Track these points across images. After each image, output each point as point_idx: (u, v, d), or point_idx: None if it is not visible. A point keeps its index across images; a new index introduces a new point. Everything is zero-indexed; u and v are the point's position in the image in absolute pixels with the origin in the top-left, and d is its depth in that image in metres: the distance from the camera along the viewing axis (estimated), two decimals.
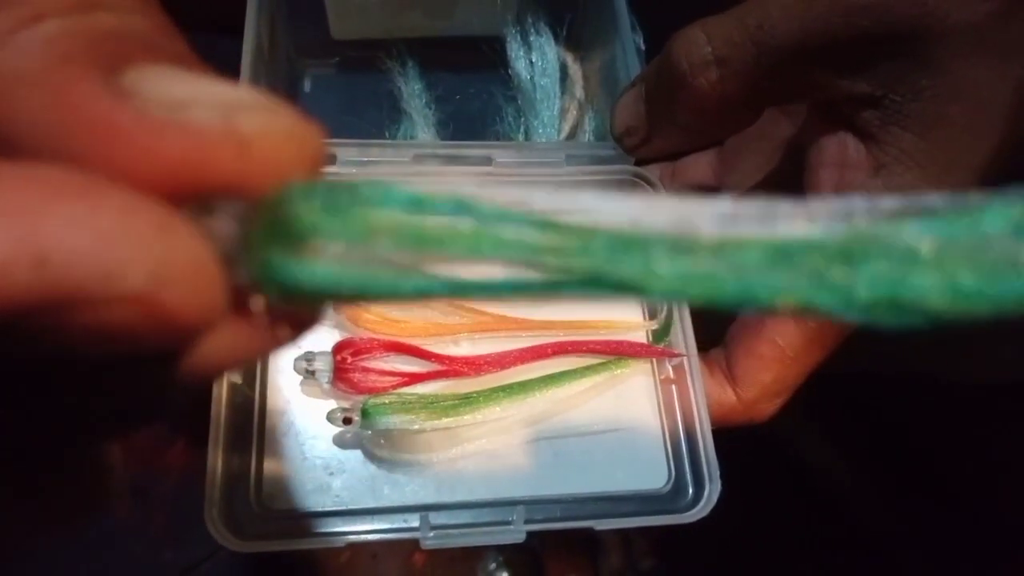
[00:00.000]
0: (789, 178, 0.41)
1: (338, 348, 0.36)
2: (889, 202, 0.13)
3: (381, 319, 0.37)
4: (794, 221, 0.13)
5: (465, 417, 0.36)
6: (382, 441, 0.36)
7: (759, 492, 0.36)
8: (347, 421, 0.35)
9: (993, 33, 0.32)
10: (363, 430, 0.35)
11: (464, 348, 0.39)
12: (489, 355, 0.38)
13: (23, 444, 0.15)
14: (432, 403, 0.36)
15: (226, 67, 0.16)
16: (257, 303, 0.14)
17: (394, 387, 0.36)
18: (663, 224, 0.13)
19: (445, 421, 0.36)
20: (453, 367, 0.37)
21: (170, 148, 0.13)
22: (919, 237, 0.12)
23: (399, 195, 0.13)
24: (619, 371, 0.39)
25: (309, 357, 0.36)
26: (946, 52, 0.33)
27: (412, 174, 0.41)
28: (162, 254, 0.12)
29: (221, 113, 0.13)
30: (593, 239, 0.13)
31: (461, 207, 0.13)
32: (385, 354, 0.37)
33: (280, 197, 0.13)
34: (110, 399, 0.15)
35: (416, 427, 0.35)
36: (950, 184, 0.35)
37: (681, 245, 0.13)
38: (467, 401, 0.36)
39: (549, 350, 0.38)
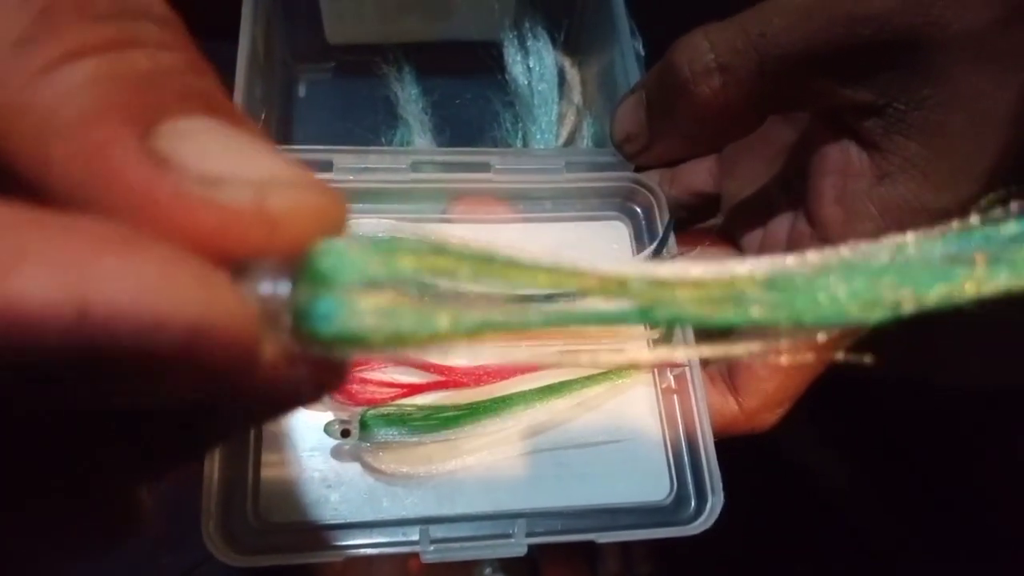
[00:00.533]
0: (788, 185, 0.41)
1: None
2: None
3: None
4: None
5: (465, 428, 0.36)
6: (380, 453, 0.35)
7: (756, 498, 0.36)
8: (345, 433, 0.35)
9: (994, 42, 0.32)
10: (361, 442, 0.35)
11: (463, 359, 0.38)
12: (489, 366, 0.37)
13: (57, 480, 0.15)
14: (431, 414, 0.36)
15: (222, 72, 0.16)
16: (295, 354, 0.15)
17: (393, 399, 0.36)
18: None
19: (444, 433, 0.35)
20: (452, 378, 0.37)
21: (204, 223, 0.13)
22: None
23: (428, 246, 0.14)
24: (620, 381, 0.38)
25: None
26: (948, 61, 0.33)
27: (409, 182, 0.41)
28: (203, 306, 0.12)
29: (253, 192, 0.14)
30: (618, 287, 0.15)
31: (492, 257, 0.15)
32: (383, 365, 0.36)
33: (316, 253, 0.14)
34: (144, 443, 0.15)
35: (415, 439, 0.35)
36: (953, 192, 0.34)
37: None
38: (467, 412, 0.36)
39: (549, 360, 0.38)
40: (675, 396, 0.39)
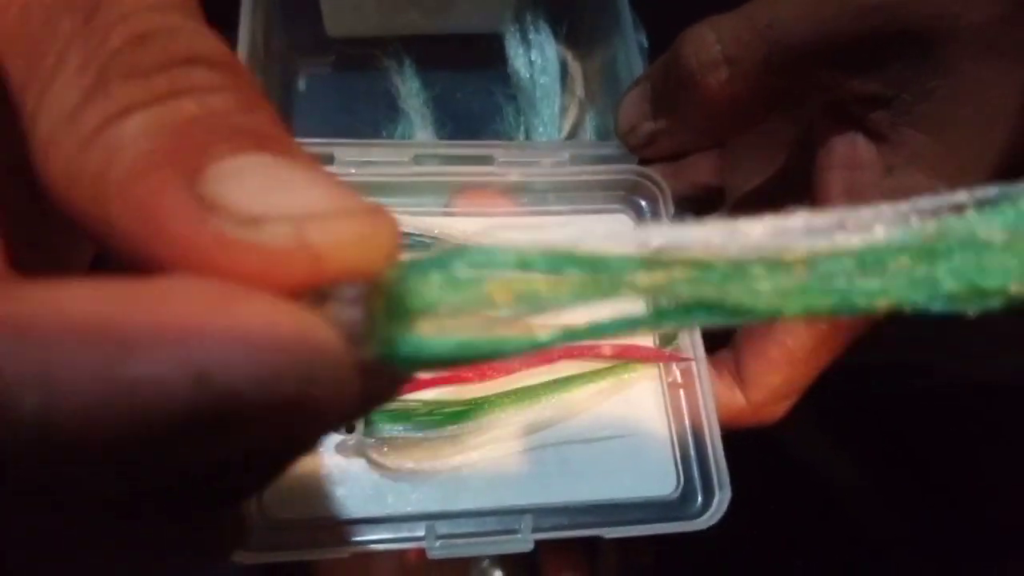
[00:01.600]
0: (794, 177, 0.41)
1: None
2: (952, 197, 0.14)
3: None
4: (871, 227, 0.14)
5: (470, 424, 0.35)
6: (385, 449, 0.35)
7: (756, 490, 0.36)
8: (349, 429, 0.34)
9: (1003, 35, 0.32)
10: (366, 438, 0.34)
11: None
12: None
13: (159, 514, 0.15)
14: (436, 409, 0.35)
15: None
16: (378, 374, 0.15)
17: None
18: (752, 246, 0.14)
19: (449, 428, 0.35)
20: (457, 372, 0.36)
21: (249, 264, 0.13)
22: (989, 227, 0.13)
23: (504, 257, 0.14)
24: (626, 375, 0.38)
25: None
26: (956, 53, 0.32)
27: (412, 174, 0.40)
28: (308, 356, 0.13)
29: (293, 228, 0.13)
30: (695, 270, 0.14)
31: (565, 261, 0.14)
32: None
33: (394, 277, 0.14)
34: (239, 477, 0.15)
35: (420, 434, 0.35)
36: (963, 185, 0.34)
37: (775, 264, 0.14)
38: (472, 407, 0.36)
39: (555, 354, 0.37)
40: (681, 390, 0.38)
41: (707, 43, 0.35)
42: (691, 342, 0.38)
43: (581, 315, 0.14)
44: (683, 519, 0.35)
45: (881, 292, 0.13)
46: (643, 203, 0.43)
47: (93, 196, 0.14)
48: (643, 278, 0.14)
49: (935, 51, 0.33)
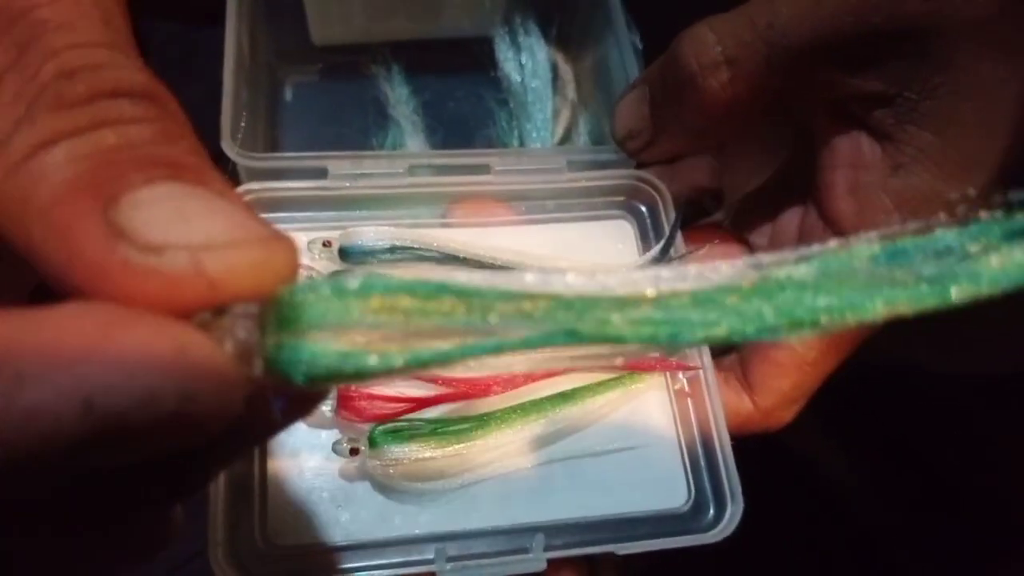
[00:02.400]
0: (793, 178, 0.40)
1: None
2: (777, 255, 0.17)
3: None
4: (714, 273, 0.16)
5: (476, 441, 0.35)
6: (391, 471, 0.34)
7: (760, 495, 0.35)
8: (354, 452, 0.34)
9: (1002, 31, 0.32)
10: (370, 459, 0.34)
11: (471, 369, 0.37)
12: (498, 376, 0.36)
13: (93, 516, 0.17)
14: (440, 428, 0.34)
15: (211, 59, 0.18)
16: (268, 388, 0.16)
17: (401, 413, 0.35)
18: (617, 288, 0.16)
19: (455, 446, 0.34)
20: (461, 390, 0.36)
21: (151, 289, 0.15)
22: (804, 275, 0.16)
23: (387, 282, 0.16)
24: (633, 386, 0.37)
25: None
26: (957, 49, 0.32)
27: (407, 186, 0.39)
28: (186, 374, 0.14)
29: (190, 257, 0.15)
30: (556, 306, 0.16)
31: (442, 288, 0.16)
32: (390, 379, 0.35)
33: (285, 295, 0.16)
34: (149, 487, 0.17)
35: (427, 455, 0.34)
36: (967, 181, 0.34)
37: (629, 302, 0.16)
38: (477, 424, 0.35)
39: (560, 367, 0.37)
40: (689, 399, 0.38)
41: (707, 44, 0.35)
42: (698, 351, 0.37)
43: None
44: (695, 532, 0.35)
45: (716, 323, 0.16)
46: (644, 208, 0.42)
47: (18, 219, 0.15)
48: (507, 307, 0.16)
49: (935, 48, 0.32)
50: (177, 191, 0.16)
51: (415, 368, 0.16)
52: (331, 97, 0.51)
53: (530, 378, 0.36)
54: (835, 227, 0.36)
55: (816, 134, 0.38)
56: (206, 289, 0.15)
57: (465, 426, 0.35)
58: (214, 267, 0.15)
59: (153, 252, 0.15)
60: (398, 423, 0.34)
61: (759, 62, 0.34)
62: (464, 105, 0.51)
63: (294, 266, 0.16)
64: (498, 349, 0.16)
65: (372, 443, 0.33)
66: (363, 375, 0.16)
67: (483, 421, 0.35)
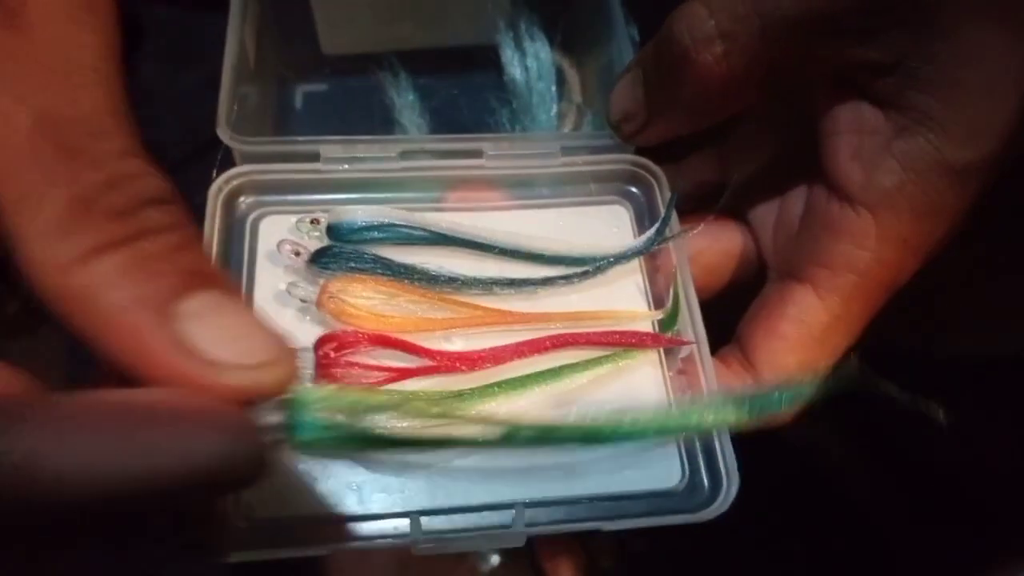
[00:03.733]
0: (794, 157, 0.40)
1: (320, 343, 0.33)
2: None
3: (367, 313, 0.35)
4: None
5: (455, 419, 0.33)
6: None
7: (755, 476, 0.33)
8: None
9: None
10: None
11: (457, 344, 0.36)
12: (484, 350, 0.35)
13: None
14: (420, 400, 0.33)
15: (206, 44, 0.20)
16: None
17: (381, 383, 0.34)
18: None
19: (435, 420, 0.33)
20: (445, 363, 0.35)
21: (221, 393, 0.20)
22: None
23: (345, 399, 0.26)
24: (624, 363, 0.36)
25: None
26: (956, 16, 0.31)
27: (400, 169, 0.39)
28: (254, 449, 0.20)
29: (245, 375, 0.20)
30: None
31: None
32: (371, 348, 0.34)
33: (292, 399, 0.23)
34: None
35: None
36: (973, 148, 0.33)
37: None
38: (459, 398, 0.34)
39: (548, 343, 0.36)
40: (684, 378, 0.36)
41: (700, 18, 0.34)
42: (692, 326, 0.36)
43: None
44: (688, 511, 0.33)
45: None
46: (639, 191, 0.42)
47: (82, 314, 0.20)
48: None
49: (936, 14, 0.31)
50: (213, 301, 0.21)
51: (368, 444, 0.27)
52: (339, 104, 0.51)
53: (517, 353, 0.35)
54: (842, 194, 0.35)
55: (816, 106, 0.37)
56: (253, 394, 0.21)
57: (446, 399, 0.34)
58: (263, 382, 0.21)
59: (217, 368, 0.20)
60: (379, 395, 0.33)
61: (754, 35, 0.33)
62: (470, 110, 0.51)
63: (297, 370, 0.22)
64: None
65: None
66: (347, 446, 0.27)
67: (465, 396, 0.34)
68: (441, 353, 0.35)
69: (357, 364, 0.33)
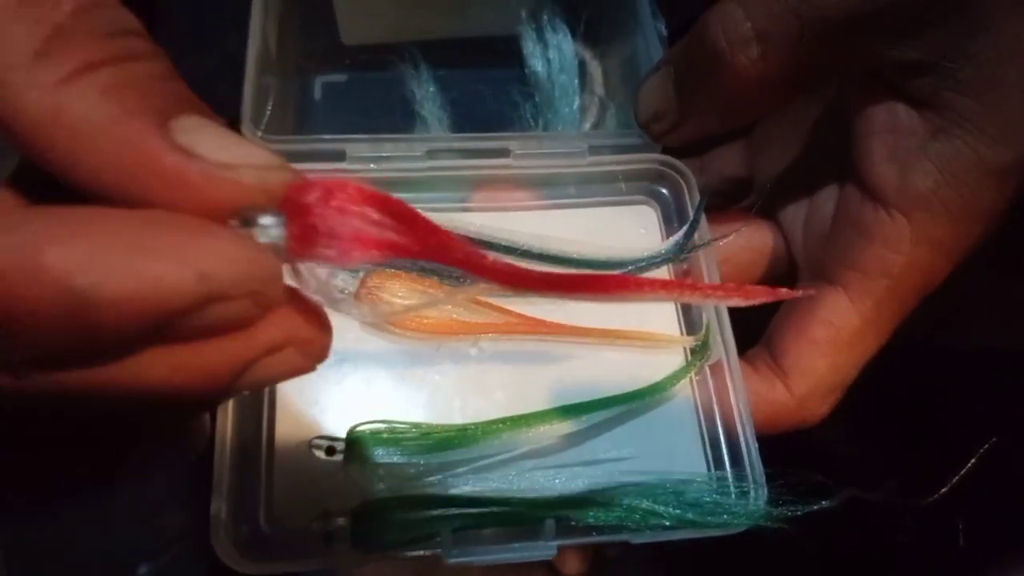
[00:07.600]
0: (824, 154, 0.39)
1: (298, 191, 0.20)
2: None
3: (403, 310, 0.34)
4: None
5: (461, 450, 0.33)
6: (381, 472, 0.32)
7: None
8: (330, 452, 0.32)
9: None
10: (350, 468, 0.32)
11: (488, 350, 0.36)
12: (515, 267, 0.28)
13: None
14: (425, 434, 0.33)
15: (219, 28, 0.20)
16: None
17: (372, 252, 0.20)
18: None
19: (439, 454, 0.33)
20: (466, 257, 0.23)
21: (226, 196, 0.19)
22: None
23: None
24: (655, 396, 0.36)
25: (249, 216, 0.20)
26: (996, 13, 0.31)
27: (426, 170, 0.39)
28: (263, 263, 0.19)
29: (258, 175, 0.19)
30: None
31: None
32: (368, 208, 0.20)
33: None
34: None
35: (406, 461, 0.32)
36: (1010, 147, 0.32)
37: None
38: (465, 433, 0.33)
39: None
40: (711, 385, 0.36)
41: (736, 20, 0.33)
42: (720, 332, 0.36)
43: None
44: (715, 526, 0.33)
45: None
46: (668, 192, 0.41)
47: (70, 135, 0.18)
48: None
49: (974, 14, 0.31)
50: (205, 122, 0.19)
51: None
52: (360, 94, 0.51)
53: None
54: (876, 195, 0.34)
55: (850, 105, 0.36)
56: (263, 196, 0.19)
57: (451, 434, 0.33)
58: (273, 181, 0.19)
59: (229, 167, 0.19)
60: (377, 424, 0.32)
61: (791, 36, 0.33)
62: (491, 102, 0.50)
63: (294, 175, 0.20)
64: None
65: (349, 446, 0.32)
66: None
67: (471, 431, 0.33)
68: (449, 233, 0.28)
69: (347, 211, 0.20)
